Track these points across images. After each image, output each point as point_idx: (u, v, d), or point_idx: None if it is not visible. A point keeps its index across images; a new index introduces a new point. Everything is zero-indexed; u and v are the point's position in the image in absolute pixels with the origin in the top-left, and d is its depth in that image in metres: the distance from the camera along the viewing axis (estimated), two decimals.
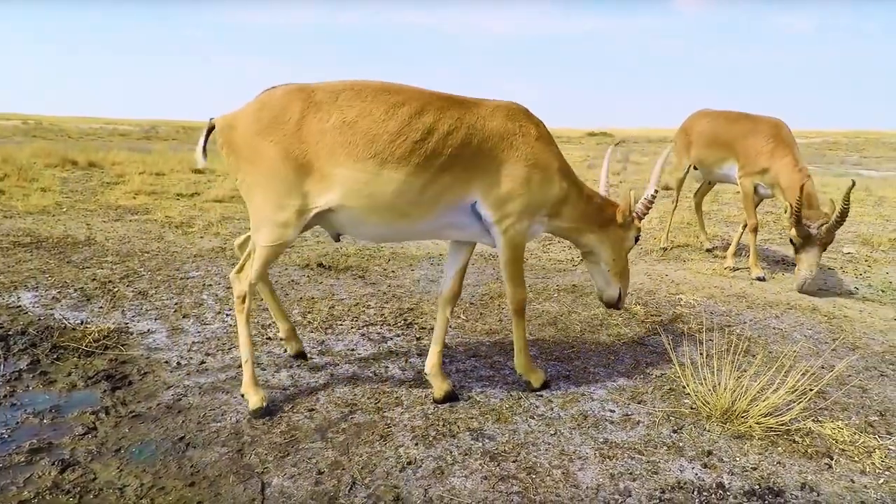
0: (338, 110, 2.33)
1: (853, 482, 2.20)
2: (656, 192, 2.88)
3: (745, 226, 5.30)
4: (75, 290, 4.05)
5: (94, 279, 4.33)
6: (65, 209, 7.10)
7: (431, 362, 2.73)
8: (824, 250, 4.58)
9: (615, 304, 3.00)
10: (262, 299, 3.11)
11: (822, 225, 4.39)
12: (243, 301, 2.56)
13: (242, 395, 2.58)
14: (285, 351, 3.11)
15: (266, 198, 2.38)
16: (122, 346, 3.17)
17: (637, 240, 2.95)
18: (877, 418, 2.69)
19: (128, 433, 2.37)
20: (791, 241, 4.59)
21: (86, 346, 3.09)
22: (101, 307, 3.76)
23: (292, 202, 2.36)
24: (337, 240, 2.79)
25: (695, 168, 5.85)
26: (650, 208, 2.89)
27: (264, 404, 2.52)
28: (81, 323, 3.44)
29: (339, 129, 2.31)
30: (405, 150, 2.33)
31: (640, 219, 2.89)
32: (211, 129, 2.49)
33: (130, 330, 3.41)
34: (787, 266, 5.64)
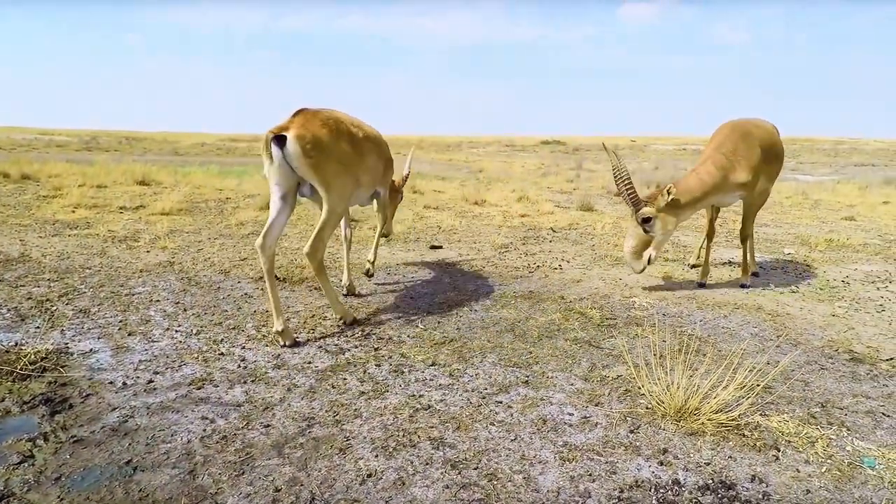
0: (357, 128, 3.81)
1: (798, 471, 2.30)
2: (408, 173, 5.20)
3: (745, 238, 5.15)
4: (8, 310, 3.81)
5: (29, 298, 4.09)
6: None
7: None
8: (645, 231, 4.62)
9: (388, 235, 5.08)
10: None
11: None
12: (322, 262, 3.59)
13: (341, 319, 3.81)
14: (282, 344, 3.43)
15: (346, 180, 3.61)
16: (61, 367, 3.00)
17: (401, 198, 5.16)
18: (818, 409, 2.82)
19: (69, 459, 2.23)
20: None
21: (21, 369, 2.90)
22: (37, 327, 3.55)
23: (354, 180, 3.72)
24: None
25: None
26: (405, 182, 5.16)
27: (356, 315, 3.94)
28: (15, 344, 3.24)
29: (366, 137, 3.89)
30: (378, 146, 4.17)
31: (402, 187, 5.10)
32: (269, 140, 3.33)
33: (71, 350, 3.23)
34: (732, 267, 5.87)
